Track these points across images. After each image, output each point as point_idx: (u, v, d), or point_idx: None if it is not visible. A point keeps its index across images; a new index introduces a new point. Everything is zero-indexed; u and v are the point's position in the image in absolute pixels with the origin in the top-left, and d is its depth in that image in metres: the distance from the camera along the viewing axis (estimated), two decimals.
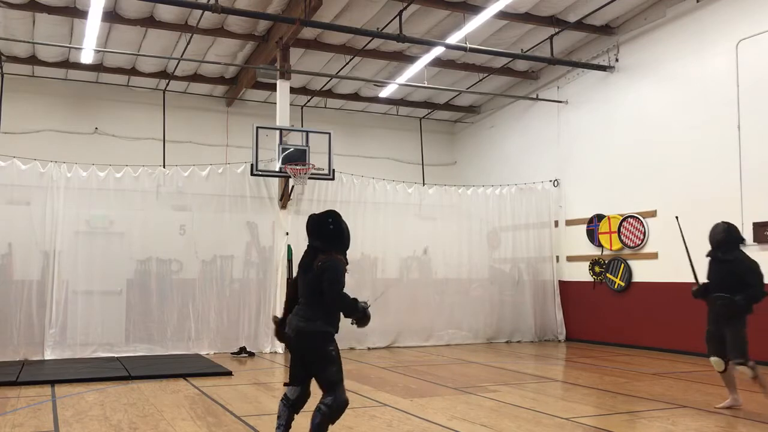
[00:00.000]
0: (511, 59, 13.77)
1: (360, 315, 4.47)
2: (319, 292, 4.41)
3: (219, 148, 15.12)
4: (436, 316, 12.89)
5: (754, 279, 6.44)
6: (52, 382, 8.21)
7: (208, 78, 14.71)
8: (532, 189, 14.00)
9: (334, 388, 4.45)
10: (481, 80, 14.82)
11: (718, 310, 6.51)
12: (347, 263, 4.56)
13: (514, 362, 10.54)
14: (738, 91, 10.29)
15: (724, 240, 6.61)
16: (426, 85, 14.01)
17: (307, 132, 11.89)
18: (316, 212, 4.68)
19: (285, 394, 4.65)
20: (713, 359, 6.64)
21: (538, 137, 14.58)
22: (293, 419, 4.66)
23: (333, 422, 4.50)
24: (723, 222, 6.79)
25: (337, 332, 4.54)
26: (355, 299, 4.48)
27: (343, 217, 4.72)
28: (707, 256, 6.74)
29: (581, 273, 13.22)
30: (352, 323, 4.55)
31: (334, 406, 4.43)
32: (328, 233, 4.51)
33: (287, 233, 11.80)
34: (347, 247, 4.63)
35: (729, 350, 6.45)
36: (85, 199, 10.94)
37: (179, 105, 15.16)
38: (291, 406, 4.62)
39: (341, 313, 4.51)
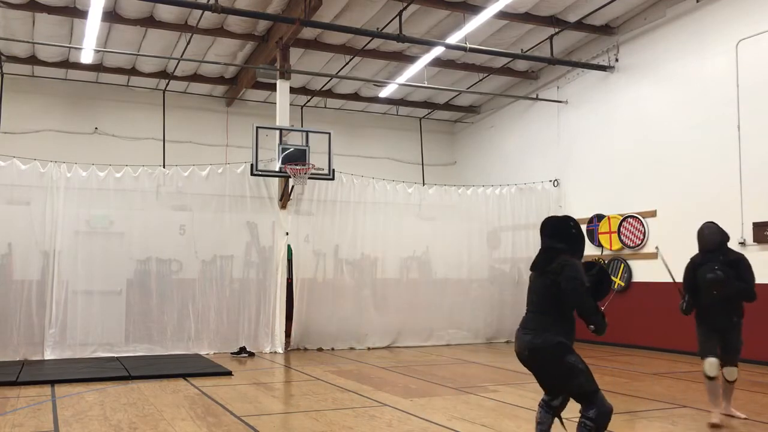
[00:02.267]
0: (511, 59, 13.76)
1: (600, 318, 4.14)
2: (553, 297, 4.15)
3: (219, 148, 15.13)
4: (436, 316, 12.88)
5: (752, 276, 6.07)
6: (52, 382, 8.20)
7: (208, 78, 14.71)
8: (532, 189, 14.00)
9: (592, 399, 4.13)
10: (481, 80, 14.82)
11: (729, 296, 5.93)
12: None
13: (514, 362, 10.49)
14: (738, 91, 10.29)
15: (724, 240, 6.18)
16: (426, 85, 14.01)
17: (307, 132, 11.89)
18: (556, 215, 4.59)
19: (543, 399, 4.44)
20: (712, 360, 6.02)
21: (538, 137, 14.58)
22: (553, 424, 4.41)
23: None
24: (711, 222, 6.36)
25: (572, 343, 4.21)
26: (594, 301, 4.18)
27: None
28: (701, 261, 6.20)
29: None
30: (591, 329, 4.20)
31: (600, 418, 4.10)
32: (573, 236, 4.35)
33: (287, 233, 11.81)
34: (582, 255, 4.44)
35: (732, 354, 6.05)
36: (85, 199, 10.93)
37: (179, 105, 15.16)
38: (553, 411, 4.39)
39: (583, 316, 4.15)
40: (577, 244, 4.36)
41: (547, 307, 4.20)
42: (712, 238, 6.20)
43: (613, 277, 12.45)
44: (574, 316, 4.23)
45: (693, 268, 6.28)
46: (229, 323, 11.50)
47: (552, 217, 4.53)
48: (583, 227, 13.06)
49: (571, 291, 4.10)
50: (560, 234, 4.35)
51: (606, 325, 4.17)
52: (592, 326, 4.18)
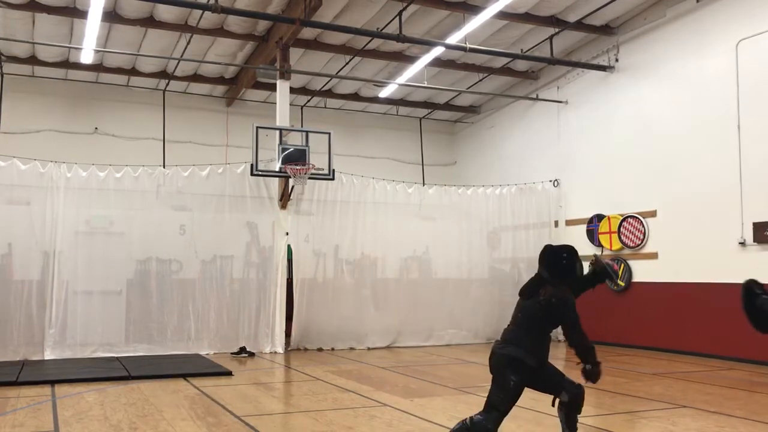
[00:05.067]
0: (511, 59, 13.76)
1: (593, 362, 4.34)
2: (531, 319, 4.41)
3: (219, 148, 15.12)
4: (436, 316, 12.88)
5: None
6: (52, 382, 8.20)
7: (208, 78, 14.71)
8: (532, 189, 13.99)
9: (488, 410, 4.36)
10: (481, 80, 14.82)
11: None
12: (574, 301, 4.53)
13: None
14: (738, 91, 10.28)
15: None
16: (426, 85, 14.01)
17: (307, 132, 11.89)
18: (552, 243, 4.79)
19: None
20: None
21: (538, 137, 14.57)
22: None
23: None
24: None
25: (533, 366, 4.39)
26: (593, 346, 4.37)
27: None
28: None
29: None
30: (581, 369, 4.41)
31: (477, 426, 4.30)
32: (561, 267, 4.50)
33: (287, 233, 11.81)
34: (577, 285, 4.63)
35: None
36: (85, 199, 10.93)
37: (179, 105, 15.16)
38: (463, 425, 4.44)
39: (579, 354, 4.39)
40: (564, 275, 4.48)
41: (525, 326, 4.43)
42: None
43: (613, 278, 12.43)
44: (547, 345, 4.49)
45: None
46: (229, 323, 11.50)
47: (549, 245, 4.68)
48: (583, 227, 13.12)
49: (572, 329, 4.36)
50: (549, 263, 4.52)
51: (597, 372, 4.33)
52: (587, 366, 4.35)
